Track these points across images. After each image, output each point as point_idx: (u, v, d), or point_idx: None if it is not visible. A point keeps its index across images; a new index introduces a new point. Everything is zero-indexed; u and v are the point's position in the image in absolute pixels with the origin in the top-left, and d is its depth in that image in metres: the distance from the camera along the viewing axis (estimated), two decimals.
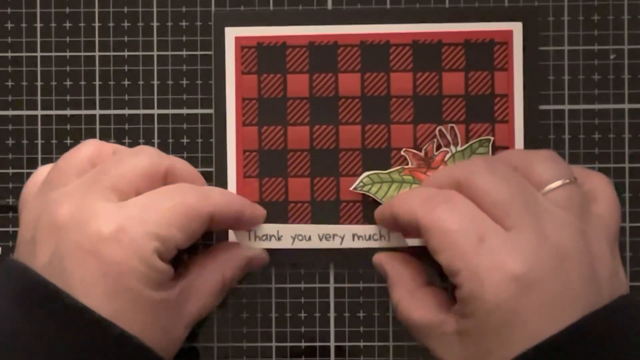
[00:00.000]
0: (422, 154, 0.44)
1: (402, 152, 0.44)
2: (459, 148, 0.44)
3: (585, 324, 0.35)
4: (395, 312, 0.41)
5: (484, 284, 0.36)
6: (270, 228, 0.44)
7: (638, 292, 0.45)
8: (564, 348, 0.35)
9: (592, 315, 0.35)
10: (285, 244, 0.43)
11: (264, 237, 0.43)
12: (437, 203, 0.38)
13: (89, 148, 0.40)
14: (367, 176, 0.44)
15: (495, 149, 0.44)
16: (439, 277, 0.42)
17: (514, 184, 0.38)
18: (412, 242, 0.43)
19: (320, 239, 0.43)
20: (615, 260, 0.38)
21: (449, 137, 0.44)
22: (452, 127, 0.44)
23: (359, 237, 0.43)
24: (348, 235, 0.44)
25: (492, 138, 0.44)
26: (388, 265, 0.42)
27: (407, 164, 0.44)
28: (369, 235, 0.44)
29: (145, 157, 0.40)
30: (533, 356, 0.35)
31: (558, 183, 0.38)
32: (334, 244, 0.43)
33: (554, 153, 0.40)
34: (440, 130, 0.44)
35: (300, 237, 0.43)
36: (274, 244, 0.44)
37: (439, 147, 0.44)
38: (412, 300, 0.40)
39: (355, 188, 0.44)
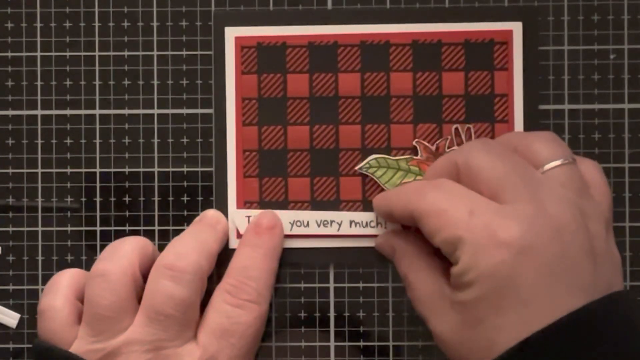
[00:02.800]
0: (433, 147, 0.44)
1: (414, 142, 0.44)
2: None
3: (584, 313, 0.35)
4: (404, 286, 0.42)
5: (477, 252, 0.36)
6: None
7: (638, 292, 0.45)
8: (559, 337, 0.35)
9: (592, 304, 0.35)
10: (284, 230, 0.44)
11: None
12: (427, 190, 0.39)
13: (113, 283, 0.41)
14: (375, 159, 0.44)
15: None
16: None
17: (510, 162, 0.38)
18: None
19: (319, 225, 0.44)
20: (610, 244, 0.38)
21: (463, 138, 0.44)
22: (468, 128, 0.44)
23: (356, 224, 0.44)
24: (345, 222, 0.44)
25: None
26: (393, 241, 0.43)
27: (417, 155, 0.44)
28: (366, 222, 0.44)
29: (180, 286, 0.40)
30: (531, 343, 0.35)
31: (557, 162, 0.38)
32: (332, 230, 0.44)
33: (553, 134, 0.40)
34: (456, 129, 0.44)
35: (298, 223, 0.44)
36: None
37: (451, 145, 0.44)
38: (417, 269, 0.41)
39: (360, 168, 0.44)
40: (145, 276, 0.41)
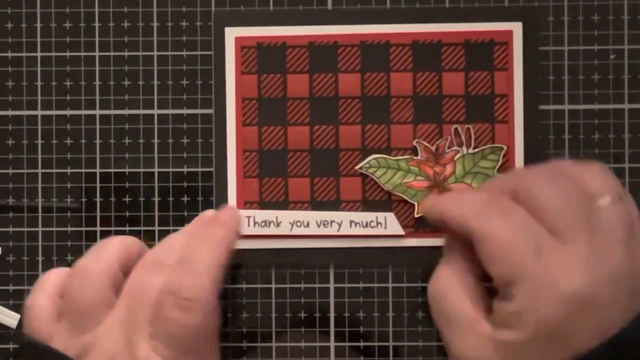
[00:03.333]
0: (433, 148, 0.44)
1: (414, 143, 0.44)
2: (470, 150, 0.44)
3: (628, 332, 0.35)
4: (433, 287, 0.40)
5: (540, 298, 0.35)
6: (269, 214, 0.44)
7: None
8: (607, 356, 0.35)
9: (633, 323, 0.35)
10: (284, 230, 0.44)
11: (263, 224, 0.44)
12: (491, 212, 0.37)
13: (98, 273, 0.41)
14: (375, 159, 0.44)
15: (505, 157, 0.44)
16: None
17: (574, 196, 0.37)
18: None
19: (319, 226, 0.44)
20: None
21: (462, 138, 0.44)
22: (467, 128, 0.44)
23: (356, 224, 0.44)
24: (346, 222, 0.44)
25: (505, 147, 0.44)
26: (451, 246, 0.40)
27: (417, 155, 0.44)
28: (366, 222, 0.44)
29: (162, 278, 0.40)
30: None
31: (609, 198, 0.37)
32: (332, 230, 0.44)
33: (605, 167, 0.39)
34: (456, 130, 0.44)
35: (298, 224, 0.44)
36: (272, 230, 0.44)
37: (451, 145, 0.44)
38: (461, 285, 0.39)
39: (360, 168, 0.44)
40: (128, 275, 0.41)
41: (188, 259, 0.41)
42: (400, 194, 0.44)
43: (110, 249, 0.41)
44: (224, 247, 0.42)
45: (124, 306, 0.40)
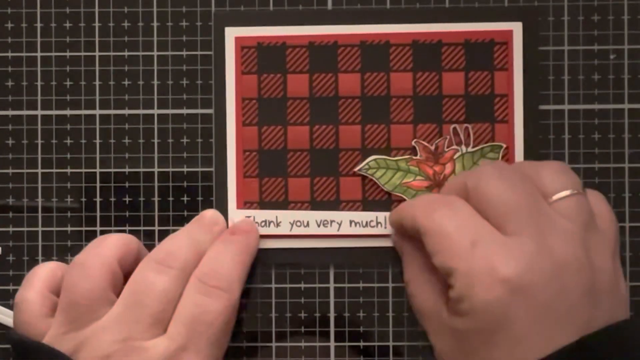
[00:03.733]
0: (432, 147, 0.44)
1: (413, 142, 0.44)
2: (469, 149, 0.44)
3: (579, 346, 0.35)
4: (405, 290, 0.42)
5: (474, 285, 0.36)
6: (269, 214, 0.44)
7: (638, 292, 0.45)
8: None
9: (589, 337, 0.35)
10: (284, 230, 0.44)
11: (263, 224, 0.44)
12: (436, 207, 0.39)
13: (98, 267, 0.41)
14: (374, 160, 0.44)
15: (505, 156, 0.44)
16: None
17: (521, 190, 0.38)
18: None
19: (319, 225, 0.44)
20: (616, 274, 0.38)
21: (461, 137, 0.44)
22: (466, 127, 0.44)
23: (356, 224, 0.44)
24: (345, 222, 0.44)
25: (504, 145, 0.44)
26: (403, 243, 0.43)
27: (416, 155, 0.44)
28: (366, 222, 0.44)
29: (164, 278, 0.41)
30: None
31: (566, 193, 0.38)
32: (332, 229, 0.44)
33: (563, 164, 0.40)
34: (454, 129, 0.44)
35: (298, 223, 0.44)
36: (272, 230, 0.44)
37: (450, 144, 0.44)
38: (420, 282, 0.41)
39: (360, 169, 0.44)
40: (126, 273, 0.41)
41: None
42: (400, 194, 0.44)
43: (109, 245, 0.41)
44: (247, 253, 0.43)
45: (124, 305, 0.40)
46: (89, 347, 0.39)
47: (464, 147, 0.44)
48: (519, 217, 0.37)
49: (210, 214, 0.44)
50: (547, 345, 0.35)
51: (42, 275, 0.42)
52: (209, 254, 0.42)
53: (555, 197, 0.38)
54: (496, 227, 0.38)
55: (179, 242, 0.42)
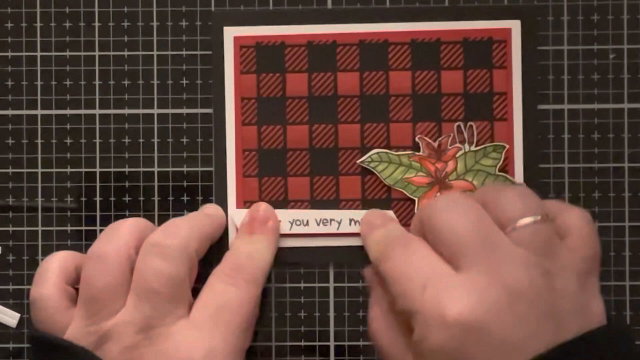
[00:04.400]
0: (435, 144, 0.44)
1: (416, 139, 0.44)
2: (472, 148, 0.44)
3: None
4: (368, 327, 0.42)
5: (428, 327, 0.36)
6: None
7: (638, 292, 0.45)
8: None
9: (552, 351, 0.35)
10: (284, 229, 0.44)
11: None
12: (395, 247, 0.40)
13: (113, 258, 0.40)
14: (377, 153, 0.44)
15: (506, 155, 0.44)
16: None
17: (473, 222, 0.38)
18: None
19: (318, 224, 0.44)
20: (585, 295, 0.37)
21: (465, 135, 0.44)
22: (470, 126, 0.44)
23: (356, 222, 0.44)
24: (345, 220, 0.44)
25: (507, 145, 0.44)
26: (373, 283, 0.43)
27: (419, 151, 0.44)
28: None
29: (166, 262, 0.40)
30: None
31: (525, 220, 0.38)
32: (332, 228, 0.44)
33: (525, 189, 0.39)
34: (459, 127, 0.44)
35: (298, 222, 0.44)
36: None
37: (453, 142, 0.44)
38: (384, 323, 0.41)
39: (362, 162, 0.44)
40: None
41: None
42: (401, 189, 0.44)
43: (123, 232, 0.41)
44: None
45: (136, 294, 0.40)
46: (114, 339, 0.39)
47: (467, 146, 0.44)
48: (469, 251, 0.37)
49: (209, 206, 0.44)
50: None
51: (55, 269, 0.41)
52: (232, 249, 0.43)
53: (514, 225, 0.38)
54: (449, 261, 0.38)
55: (176, 225, 0.42)
